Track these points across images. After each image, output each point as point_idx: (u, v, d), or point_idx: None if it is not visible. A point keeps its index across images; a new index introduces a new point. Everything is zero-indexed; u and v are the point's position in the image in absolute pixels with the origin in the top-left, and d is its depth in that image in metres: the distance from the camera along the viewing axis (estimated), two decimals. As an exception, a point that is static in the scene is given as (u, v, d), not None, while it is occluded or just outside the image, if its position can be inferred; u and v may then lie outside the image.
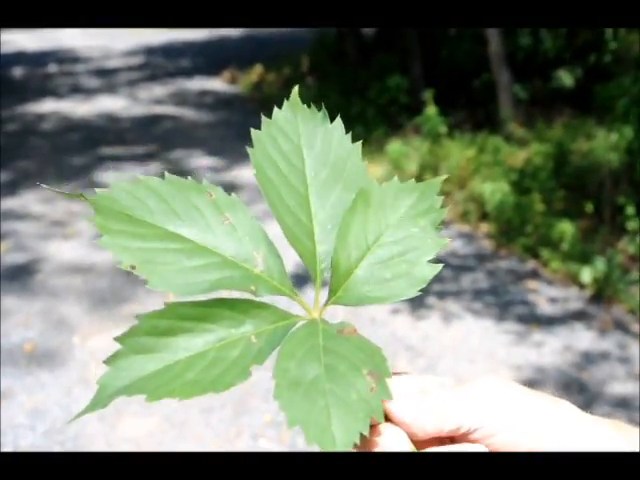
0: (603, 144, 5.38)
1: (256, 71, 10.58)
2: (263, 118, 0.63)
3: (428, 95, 6.50)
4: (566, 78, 7.24)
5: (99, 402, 0.52)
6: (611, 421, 0.61)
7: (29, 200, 5.88)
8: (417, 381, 0.57)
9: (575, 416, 0.59)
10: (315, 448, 0.49)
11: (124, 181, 0.60)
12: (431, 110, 6.39)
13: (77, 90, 10.33)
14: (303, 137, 0.63)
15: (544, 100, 7.38)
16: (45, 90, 10.25)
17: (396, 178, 0.63)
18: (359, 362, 0.52)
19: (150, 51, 13.81)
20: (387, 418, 0.54)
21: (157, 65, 12.43)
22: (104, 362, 0.53)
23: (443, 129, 6.36)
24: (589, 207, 5.12)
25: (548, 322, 4.09)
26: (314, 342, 0.55)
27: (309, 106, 0.65)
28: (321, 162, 0.63)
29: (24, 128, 8.19)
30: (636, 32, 6.45)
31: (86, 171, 6.58)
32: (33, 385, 3.50)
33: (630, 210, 4.85)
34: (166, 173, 0.61)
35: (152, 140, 7.67)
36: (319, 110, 0.64)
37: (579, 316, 4.16)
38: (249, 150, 0.62)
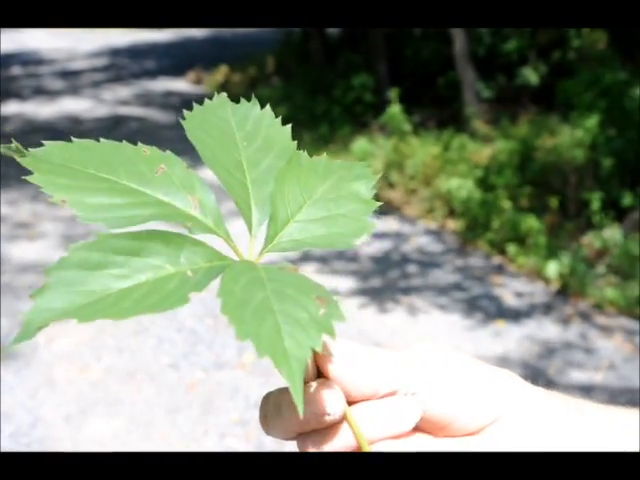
0: (567, 140, 5.42)
1: (221, 71, 10.55)
2: (194, 104, 0.64)
3: (393, 94, 6.51)
4: (531, 75, 7.29)
5: (26, 335, 0.50)
6: (555, 393, 0.61)
7: (-8, 202, 5.81)
8: (358, 346, 0.57)
9: (515, 386, 0.59)
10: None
11: (58, 142, 0.59)
12: (395, 108, 6.39)
13: (41, 92, 10.24)
14: (233, 120, 0.65)
15: (509, 97, 7.42)
16: (8, 92, 10.14)
17: (325, 154, 0.64)
18: (307, 289, 0.51)
19: (115, 52, 13.72)
20: (325, 375, 0.55)
21: (122, 66, 12.36)
22: (30, 296, 0.50)
23: (407, 127, 6.37)
24: (554, 203, 5.15)
25: (514, 317, 4.11)
26: (256, 274, 0.52)
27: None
28: (252, 137, 0.64)
29: (-13, 130, 8.11)
30: (599, 29, 6.52)
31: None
32: (-3, 388, 3.45)
33: (595, 205, 4.90)
34: (101, 139, 0.61)
35: (116, 141, 7.61)
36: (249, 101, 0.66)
37: (545, 310, 4.18)
38: (182, 121, 0.62)
